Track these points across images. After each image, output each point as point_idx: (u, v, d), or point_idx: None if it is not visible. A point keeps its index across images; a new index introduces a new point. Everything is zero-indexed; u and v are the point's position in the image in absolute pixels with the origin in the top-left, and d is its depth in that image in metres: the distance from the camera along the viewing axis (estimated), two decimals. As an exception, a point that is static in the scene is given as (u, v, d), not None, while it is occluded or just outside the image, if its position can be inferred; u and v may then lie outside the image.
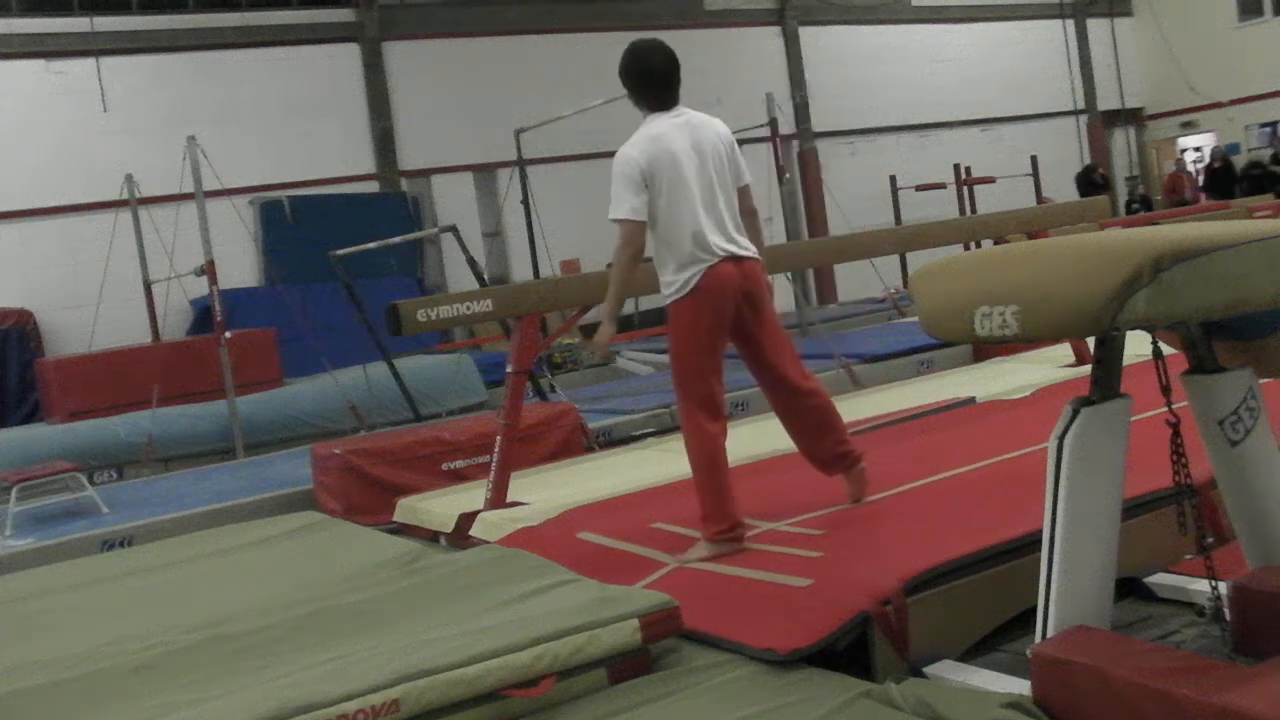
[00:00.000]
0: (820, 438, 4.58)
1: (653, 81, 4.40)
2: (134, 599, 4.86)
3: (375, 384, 9.75)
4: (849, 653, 3.42)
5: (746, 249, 4.39)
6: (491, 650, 3.28)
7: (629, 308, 14.38)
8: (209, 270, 9.64)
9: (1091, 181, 19.76)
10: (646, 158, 4.27)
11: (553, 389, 9.48)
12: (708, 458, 4.35)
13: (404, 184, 15.88)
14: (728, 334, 4.41)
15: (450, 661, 3.23)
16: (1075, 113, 22.15)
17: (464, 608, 3.90)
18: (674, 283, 4.33)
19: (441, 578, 4.33)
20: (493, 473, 5.75)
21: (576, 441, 7.27)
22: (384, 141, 15.71)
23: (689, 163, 4.30)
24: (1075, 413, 2.92)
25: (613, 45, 19.09)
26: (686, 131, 4.34)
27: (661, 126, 4.35)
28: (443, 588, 4.20)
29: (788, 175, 15.53)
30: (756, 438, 6.70)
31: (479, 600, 3.95)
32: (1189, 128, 22.41)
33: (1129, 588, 3.76)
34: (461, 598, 4.03)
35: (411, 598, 4.15)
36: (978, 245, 8.90)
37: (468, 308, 5.87)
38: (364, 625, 3.89)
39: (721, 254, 4.29)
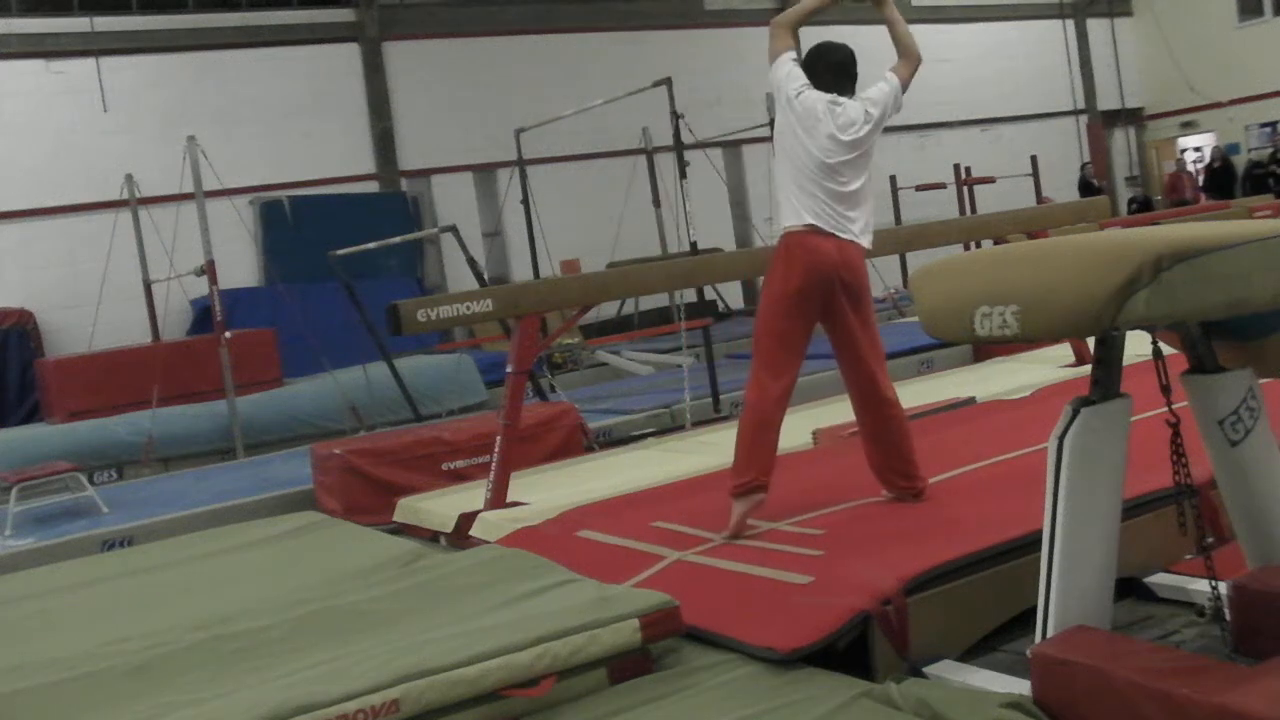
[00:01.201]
0: (890, 453, 4.63)
1: (817, 68, 4.67)
2: (134, 599, 4.86)
3: (375, 384, 9.75)
4: (849, 652, 3.42)
5: (850, 233, 4.48)
6: (491, 650, 3.28)
7: (629, 307, 14.38)
8: (209, 270, 9.64)
9: (1085, 181, 19.79)
10: (802, 82, 4.60)
11: (553, 389, 9.48)
12: (751, 411, 4.51)
13: (404, 184, 15.88)
14: (816, 313, 4.50)
15: (450, 661, 3.23)
16: (1075, 113, 22.15)
17: (464, 608, 3.90)
18: (784, 223, 4.53)
19: (441, 578, 4.33)
20: (493, 473, 5.75)
21: (576, 441, 7.27)
22: (384, 141, 15.71)
23: (821, 134, 4.48)
24: (1075, 413, 2.92)
25: (613, 45, 19.15)
26: (831, 110, 4.53)
27: (814, 96, 4.57)
28: (443, 588, 4.20)
29: (788, 175, 15.51)
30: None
31: (479, 600, 3.95)
32: (1189, 128, 22.40)
33: (1129, 588, 3.76)
34: (461, 598, 4.03)
35: (411, 598, 4.14)
36: (978, 245, 8.91)
37: (468, 308, 5.87)
38: (364, 625, 3.89)
39: (820, 227, 4.42)
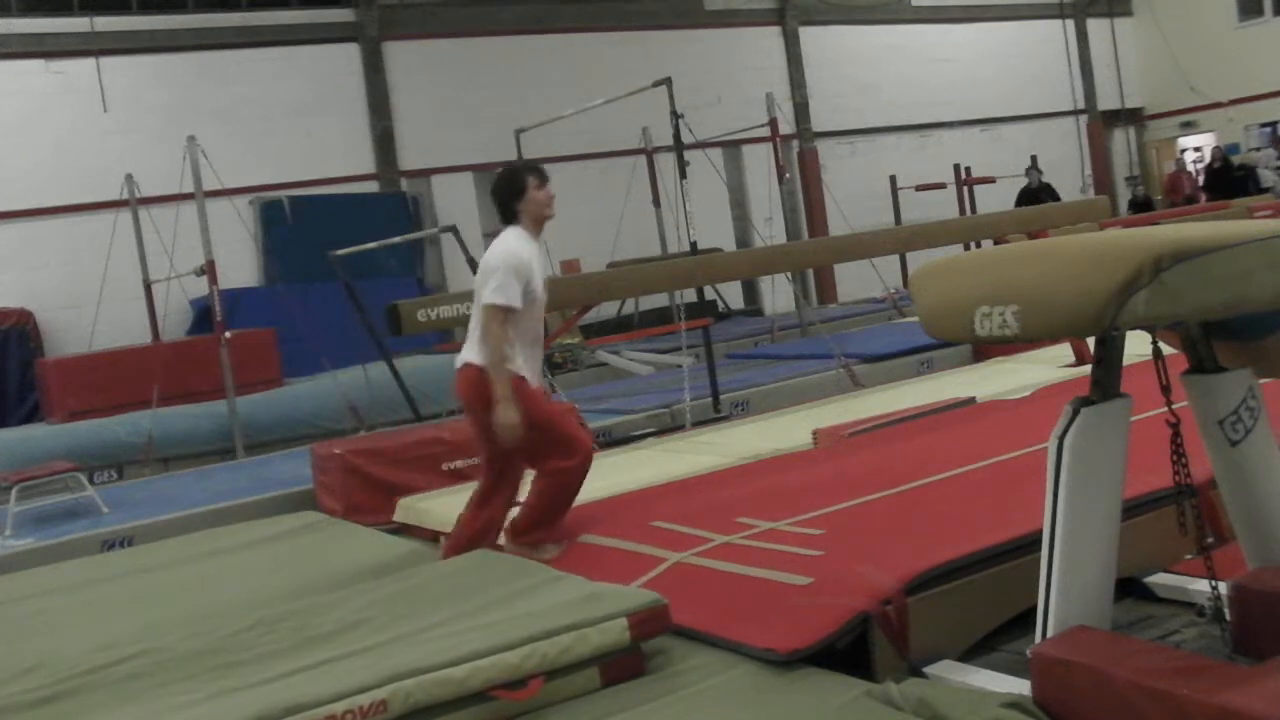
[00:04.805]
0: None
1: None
2: (134, 599, 4.86)
3: (375, 384, 9.74)
4: (849, 653, 3.42)
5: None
6: (479, 651, 3.27)
7: (629, 307, 14.38)
8: (209, 270, 9.64)
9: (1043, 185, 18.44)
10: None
11: (553, 389, 9.47)
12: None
13: (404, 184, 15.88)
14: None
15: (437, 662, 3.22)
16: (1075, 113, 22.15)
17: (453, 609, 3.89)
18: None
19: (431, 580, 4.32)
20: (493, 473, 5.73)
21: (576, 441, 7.24)
22: (384, 141, 15.71)
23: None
24: (1075, 413, 2.92)
25: (613, 45, 19.16)
26: None
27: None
28: (432, 590, 4.19)
29: (788, 175, 15.52)
30: (757, 437, 6.71)
31: (469, 601, 3.94)
32: (1189, 128, 22.39)
33: (1129, 588, 3.76)
34: (451, 599, 4.02)
35: (403, 599, 4.14)
36: (978, 245, 8.91)
37: (468, 308, 5.87)
38: (359, 626, 3.89)
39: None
